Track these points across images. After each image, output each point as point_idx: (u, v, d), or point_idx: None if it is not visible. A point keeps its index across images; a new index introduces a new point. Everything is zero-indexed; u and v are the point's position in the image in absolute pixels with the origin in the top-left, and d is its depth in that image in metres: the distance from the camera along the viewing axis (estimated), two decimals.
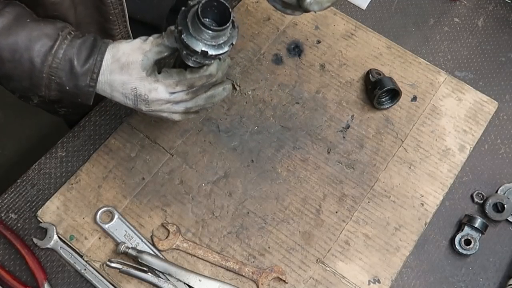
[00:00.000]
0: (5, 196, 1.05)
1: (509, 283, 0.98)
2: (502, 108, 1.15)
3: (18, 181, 1.06)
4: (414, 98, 1.14)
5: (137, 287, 0.97)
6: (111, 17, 0.93)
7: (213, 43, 0.81)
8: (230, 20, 0.80)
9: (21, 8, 0.85)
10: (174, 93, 0.86)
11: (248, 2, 1.25)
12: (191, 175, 1.07)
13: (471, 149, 1.10)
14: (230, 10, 0.80)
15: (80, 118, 1.14)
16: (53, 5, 0.86)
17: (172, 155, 1.08)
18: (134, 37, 1.02)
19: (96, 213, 1.02)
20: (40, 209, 1.03)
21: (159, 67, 0.87)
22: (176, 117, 0.90)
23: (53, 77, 0.83)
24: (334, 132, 1.11)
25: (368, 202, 1.05)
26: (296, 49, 1.19)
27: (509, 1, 1.27)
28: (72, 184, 1.05)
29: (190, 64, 0.84)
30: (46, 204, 1.04)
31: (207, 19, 0.80)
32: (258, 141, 1.10)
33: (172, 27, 0.84)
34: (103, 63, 0.84)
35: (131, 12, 0.96)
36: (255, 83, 1.15)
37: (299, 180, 1.06)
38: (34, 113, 2.04)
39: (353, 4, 1.26)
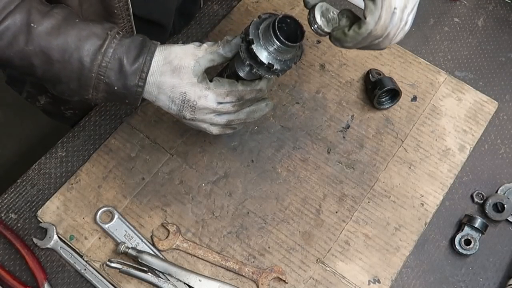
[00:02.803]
0: (5, 196, 1.05)
1: (509, 283, 0.98)
2: (502, 108, 1.15)
3: (18, 181, 1.06)
4: (414, 98, 1.14)
5: (137, 287, 0.97)
6: (115, 11, 0.92)
7: (280, 58, 0.82)
8: (303, 39, 0.81)
9: (68, 9, 0.84)
10: (222, 103, 0.86)
11: (248, 2, 1.25)
12: (191, 175, 1.07)
13: (471, 149, 1.10)
14: (303, 29, 0.81)
15: (81, 118, 1.14)
16: (60, 1, 0.86)
17: (172, 155, 1.08)
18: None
19: (96, 213, 1.02)
20: (40, 209, 1.03)
21: (208, 74, 0.87)
22: (215, 130, 0.90)
23: (102, 77, 0.82)
24: (334, 132, 1.11)
25: (368, 202, 1.05)
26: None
27: (509, 1, 1.27)
28: (72, 184, 1.05)
29: (243, 76, 0.85)
30: (46, 204, 1.04)
31: (279, 32, 0.81)
32: (258, 141, 1.10)
33: (229, 37, 0.84)
34: (154, 63, 0.84)
35: (136, 9, 0.96)
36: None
37: (299, 180, 1.06)
38: (34, 113, 2.03)
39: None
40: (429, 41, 1.22)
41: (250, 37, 0.81)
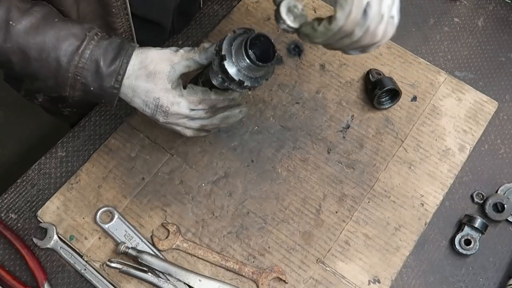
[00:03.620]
0: (5, 196, 1.05)
1: (509, 283, 0.98)
2: (502, 108, 1.15)
3: (18, 181, 1.06)
4: (414, 98, 1.14)
5: (137, 287, 0.97)
6: (113, 10, 0.92)
7: (251, 75, 0.84)
8: (274, 59, 0.83)
9: (49, 8, 0.85)
10: (194, 110, 0.87)
11: (248, 2, 1.25)
12: (191, 175, 1.07)
13: (471, 149, 1.10)
14: (275, 48, 0.83)
15: (81, 117, 1.14)
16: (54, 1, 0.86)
17: (172, 155, 1.08)
18: (137, 34, 1.02)
19: (96, 213, 1.02)
20: (40, 209, 1.03)
21: (182, 80, 0.88)
22: (189, 132, 0.92)
23: (78, 77, 0.83)
24: (334, 132, 1.11)
25: (368, 202, 1.05)
26: (296, 49, 1.19)
27: (509, 1, 1.27)
28: (72, 184, 1.05)
29: (216, 84, 0.86)
30: (46, 204, 1.04)
31: (251, 51, 0.82)
32: (258, 141, 1.10)
33: (206, 44, 0.86)
34: (130, 67, 0.85)
35: (134, 7, 0.96)
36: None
37: (299, 180, 1.06)
38: (34, 113, 2.04)
39: None
40: (429, 41, 1.22)
41: (222, 53, 0.82)
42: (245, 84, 0.84)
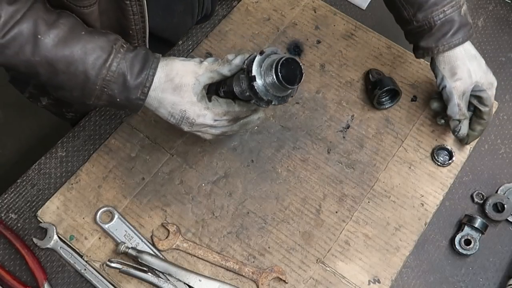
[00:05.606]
0: (5, 196, 1.05)
1: (509, 283, 0.98)
2: (502, 108, 1.15)
3: (18, 181, 1.06)
4: (414, 98, 1.14)
5: (137, 287, 0.97)
6: (131, 32, 0.94)
7: (279, 95, 0.87)
8: (302, 80, 0.85)
9: (74, 19, 0.85)
10: (218, 120, 0.90)
11: (248, 2, 1.25)
12: (191, 175, 1.07)
13: (471, 149, 1.10)
14: (303, 71, 0.85)
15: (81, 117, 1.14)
16: (83, 15, 0.87)
17: (172, 155, 1.08)
18: (150, 48, 1.02)
19: (96, 213, 1.02)
20: (40, 209, 1.03)
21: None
22: (208, 137, 0.94)
23: (105, 89, 0.85)
24: (334, 132, 1.11)
25: (368, 202, 1.05)
26: (296, 49, 1.19)
27: (509, 1, 1.27)
28: (72, 184, 1.05)
29: (239, 96, 0.90)
30: (46, 204, 1.04)
31: (280, 74, 0.84)
32: (258, 141, 1.10)
33: (230, 56, 0.88)
34: (156, 80, 0.87)
35: (151, 28, 0.97)
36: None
37: (299, 180, 1.06)
38: (34, 113, 2.04)
39: (353, 4, 1.26)
40: None
41: (252, 74, 0.84)
42: (273, 103, 0.87)
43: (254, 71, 0.84)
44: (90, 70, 0.83)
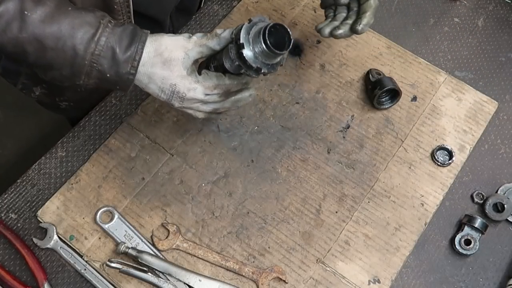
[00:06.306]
0: (5, 196, 1.05)
1: (509, 283, 0.98)
2: (502, 108, 1.15)
3: (18, 181, 1.06)
4: (414, 98, 1.14)
5: (137, 287, 0.97)
6: (115, 7, 0.94)
7: (268, 62, 0.87)
8: (290, 46, 0.85)
9: None
10: (209, 95, 0.90)
11: (248, 2, 1.25)
12: (191, 175, 1.07)
13: (471, 149, 1.10)
14: (291, 37, 0.85)
15: (81, 115, 1.14)
16: None
17: (172, 155, 1.08)
18: None
19: (96, 213, 1.02)
20: (40, 209, 1.03)
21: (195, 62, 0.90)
22: (200, 115, 0.94)
23: (95, 64, 0.84)
24: (334, 132, 1.11)
25: (368, 202, 1.05)
26: (296, 49, 1.19)
27: (509, 1, 1.27)
28: (72, 184, 1.05)
29: (230, 70, 0.89)
30: (46, 204, 1.04)
31: (269, 40, 0.84)
32: (258, 141, 1.10)
33: (218, 30, 0.88)
34: (145, 54, 0.86)
35: (135, 4, 0.97)
36: (255, 83, 1.15)
37: (299, 180, 1.06)
38: (34, 113, 2.04)
39: None
40: (429, 41, 1.22)
41: (241, 41, 0.84)
42: (262, 71, 0.87)
43: (242, 38, 0.84)
44: (79, 45, 0.82)
